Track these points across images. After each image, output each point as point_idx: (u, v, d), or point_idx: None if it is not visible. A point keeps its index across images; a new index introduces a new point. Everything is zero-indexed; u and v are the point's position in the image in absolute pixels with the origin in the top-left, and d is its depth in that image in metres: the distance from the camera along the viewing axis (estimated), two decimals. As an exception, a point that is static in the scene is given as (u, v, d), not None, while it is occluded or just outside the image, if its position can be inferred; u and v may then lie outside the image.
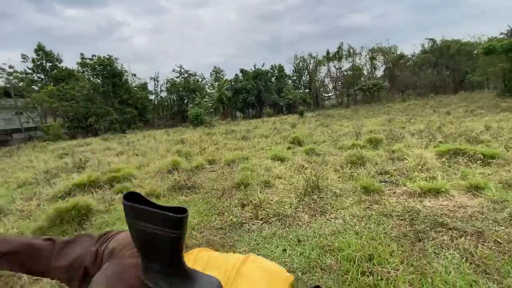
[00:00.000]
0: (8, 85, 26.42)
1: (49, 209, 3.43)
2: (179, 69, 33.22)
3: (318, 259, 2.19)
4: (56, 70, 27.79)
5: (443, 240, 2.25)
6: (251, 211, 3.30)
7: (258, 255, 2.29)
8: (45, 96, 24.07)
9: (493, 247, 2.07)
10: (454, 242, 2.19)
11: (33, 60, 27.24)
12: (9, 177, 7.03)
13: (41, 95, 24.31)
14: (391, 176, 4.04)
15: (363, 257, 2.06)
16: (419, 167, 4.15)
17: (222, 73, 38.25)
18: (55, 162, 8.62)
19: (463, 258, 1.99)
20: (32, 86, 27.39)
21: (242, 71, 34.71)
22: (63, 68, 28.08)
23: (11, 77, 25.80)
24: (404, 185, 3.59)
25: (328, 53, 37.48)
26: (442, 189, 3.15)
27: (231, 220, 3.10)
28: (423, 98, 27.92)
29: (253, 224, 3.01)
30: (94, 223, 3.39)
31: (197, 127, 20.15)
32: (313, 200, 3.45)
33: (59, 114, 27.14)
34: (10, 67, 25.62)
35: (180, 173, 5.44)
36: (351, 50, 36.62)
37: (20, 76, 26.37)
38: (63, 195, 4.73)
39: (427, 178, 3.72)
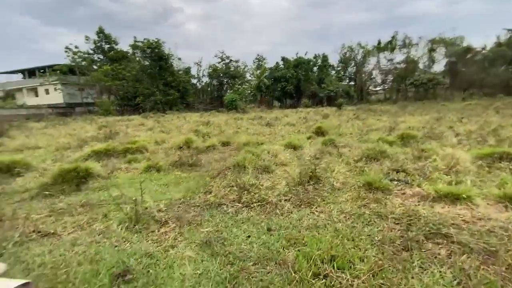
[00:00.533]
0: (73, 64, 29.84)
1: (55, 169, 3.70)
2: (221, 54, 33.72)
3: (278, 251, 1.93)
4: (112, 52, 30.42)
5: (439, 253, 1.80)
6: (236, 193, 3.11)
7: (220, 237, 2.11)
8: (101, 75, 26.63)
9: (503, 273, 1.57)
10: (452, 259, 1.73)
11: (94, 42, 30.13)
12: (52, 141, 7.91)
13: (98, 74, 26.99)
14: (408, 175, 3.46)
15: (325, 257, 1.74)
16: (446, 168, 3.48)
17: (264, 61, 37.82)
18: (94, 132, 9.46)
19: (455, 280, 1.55)
20: (93, 65, 30.48)
21: (283, 59, 33.82)
22: (118, 50, 30.58)
23: (76, 57, 29.07)
24: (419, 187, 3.03)
25: (379, 43, 34.30)
26: (464, 195, 2.56)
27: (210, 199, 2.96)
28: (489, 98, 24.01)
29: (232, 206, 2.83)
30: (91, 186, 3.56)
31: (230, 112, 20.39)
32: (305, 190, 3.12)
33: (112, 92, 29.89)
34: (76, 47, 28.82)
35: (190, 150, 5.48)
36: (406, 41, 32.96)
37: (84, 56, 29.52)
38: (82, 159, 5.11)
39: (452, 182, 3.09)
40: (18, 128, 11.75)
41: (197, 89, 34.89)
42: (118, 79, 27.03)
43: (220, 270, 1.75)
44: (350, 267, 1.66)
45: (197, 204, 2.91)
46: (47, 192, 3.36)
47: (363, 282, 1.51)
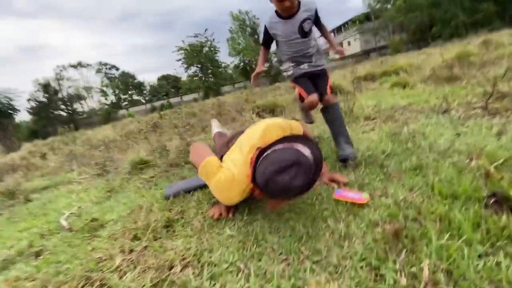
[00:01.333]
0: (369, 10, 31.53)
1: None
2: None
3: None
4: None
5: None
6: (483, 99, 2.26)
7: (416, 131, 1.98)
8: (393, 12, 25.79)
9: None
10: None
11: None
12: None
13: (390, 12, 26.46)
14: None
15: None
16: None
17: None
18: (370, 66, 10.20)
19: None
20: (386, 5, 30.04)
21: None
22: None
23: (370, 1, 30.33)
24: None
25: None
26: None
27: (439, 104, 2.45)
28: None
29: (465, 111, 2.18)
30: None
31: None
32: None
33: (404, 29, 28.08)
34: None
35: (457, 63, 4.35)
36: None
37: (377, -3, 29.96)
38: (351, 79, 6.07)
39: None
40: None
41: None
42: (411, 11, 24.67)
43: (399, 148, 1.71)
44: None
45: (418, 109, 2.58)
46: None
47: None
